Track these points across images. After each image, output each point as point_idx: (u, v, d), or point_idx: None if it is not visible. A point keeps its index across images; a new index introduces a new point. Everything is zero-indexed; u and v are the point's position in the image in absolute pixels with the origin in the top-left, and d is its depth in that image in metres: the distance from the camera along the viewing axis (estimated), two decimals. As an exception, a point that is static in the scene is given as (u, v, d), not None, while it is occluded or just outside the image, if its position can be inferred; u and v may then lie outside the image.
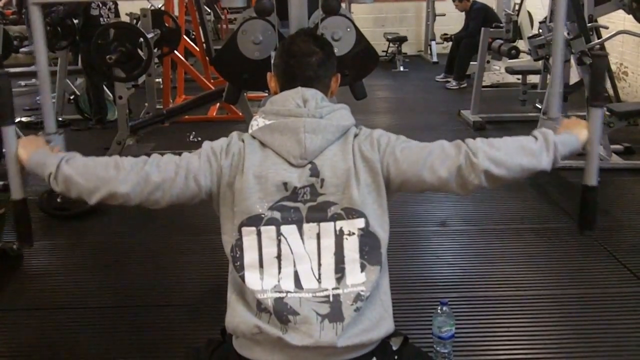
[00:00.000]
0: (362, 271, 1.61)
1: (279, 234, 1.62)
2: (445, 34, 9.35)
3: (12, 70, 9.23)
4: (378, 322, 1.61)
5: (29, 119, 6.58)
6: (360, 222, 1.63)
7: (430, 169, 1.65)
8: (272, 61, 1.85)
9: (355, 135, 1.71)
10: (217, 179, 1.68)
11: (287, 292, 1.58)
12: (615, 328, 2.64)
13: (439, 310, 2.33)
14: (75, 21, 5.92)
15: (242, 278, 1.61)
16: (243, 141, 1.69)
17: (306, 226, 1.62)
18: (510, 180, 1.68)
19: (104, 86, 6.32)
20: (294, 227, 1.62)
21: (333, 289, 1.59)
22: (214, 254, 3.33)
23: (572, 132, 1.79)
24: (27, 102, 7.38)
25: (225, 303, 1.68)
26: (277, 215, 1.62)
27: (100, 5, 6.09)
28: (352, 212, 1.63)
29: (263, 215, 1.62)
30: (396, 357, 1.66)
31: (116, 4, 6.36)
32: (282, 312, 1.55)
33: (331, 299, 1.58)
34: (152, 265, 3.35)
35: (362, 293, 1.59)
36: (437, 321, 2.32)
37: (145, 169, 1.66)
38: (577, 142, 1.77)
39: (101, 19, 6.05)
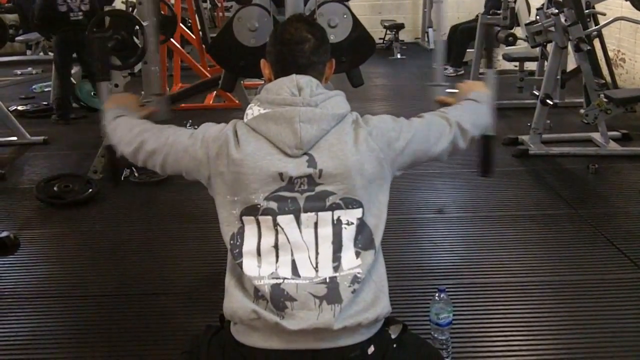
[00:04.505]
0: (357, 257, 1.62)
1: (275, 223, 1.62)
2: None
3: (7, 59, 9.23)
4: (373, 302, 1.61)
5: (24, 107, 6.50)
6: (358, 212, 1.63)
7: (434, 145, 1.80)
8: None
9: (354, 122, 1.70)
10: (200, 167, 1.71)
11: (284, 278, 1.58)
12: (613, 314, 2.65)
13: (436, 297, 2.33)
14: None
15: (240, 265, 1.62)
16: (236, 131, 1.68)
17: (304, 216, 1.62)
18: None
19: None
20: (291, 217, 1.62)
21: (330, 275, 1.59)
22: (210, 242, 3.32)
23: (481, 91, 2.07)
24: (24, 91, 7.35)
25: (222, 291, 1.68)
26: (273, 205, 1.62)
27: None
28: (351, 202, 1.63)
29: (259, 206, 1.62)
30: (395, 345, 1.66)
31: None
32: (278, 299, 1.55)
33: (328, 280, 1.58)
34: (148, 254, 3.35)
35: (358, 275, 1.59)
36: (434, 308, 2.32)
37: (145, 136, 1.84)
38: (489, 98, 2.07)
39: (71, 14, 5.77)
